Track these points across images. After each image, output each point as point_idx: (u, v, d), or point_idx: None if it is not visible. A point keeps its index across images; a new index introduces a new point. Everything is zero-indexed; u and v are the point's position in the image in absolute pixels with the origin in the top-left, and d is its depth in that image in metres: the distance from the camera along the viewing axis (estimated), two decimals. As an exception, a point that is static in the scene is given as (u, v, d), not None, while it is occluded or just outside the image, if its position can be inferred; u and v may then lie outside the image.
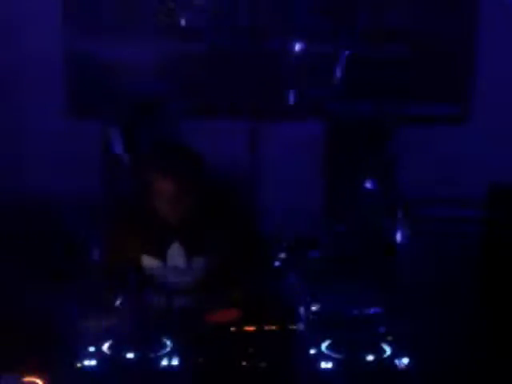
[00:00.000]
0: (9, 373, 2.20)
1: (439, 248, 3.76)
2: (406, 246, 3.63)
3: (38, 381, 2.20)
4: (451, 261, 3.71)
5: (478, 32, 4.29)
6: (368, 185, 3.85)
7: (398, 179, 4.11)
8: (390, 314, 2.55)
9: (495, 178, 3.53)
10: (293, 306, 2.59)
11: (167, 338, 2.39)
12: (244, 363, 2.30)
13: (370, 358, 2.29)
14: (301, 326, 2.47)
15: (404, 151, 4.15)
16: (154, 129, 3.92)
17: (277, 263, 3.56)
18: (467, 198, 3.93)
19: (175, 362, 2.28)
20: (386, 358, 2.30)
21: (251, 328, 2.47)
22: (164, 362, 2.28)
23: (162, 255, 2.87)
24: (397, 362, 2.28)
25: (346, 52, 4.21)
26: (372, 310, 2.50)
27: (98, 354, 2.32)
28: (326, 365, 2.26)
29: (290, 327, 2.47)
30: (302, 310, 2.55)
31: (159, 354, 2.32)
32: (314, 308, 2.54)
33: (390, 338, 2.39)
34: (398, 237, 3.78)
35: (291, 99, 4.24)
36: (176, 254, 2.86)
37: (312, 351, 2.32)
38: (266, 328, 2.47)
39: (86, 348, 2.33)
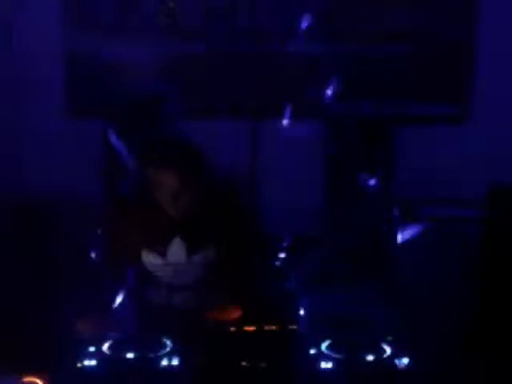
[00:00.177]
0: (9, 373, 2.20)
1: (439, 248, 3.76)
2: (405, 245, 3.62)
3: (38, 381, 2.20)
4: (451, 261, 3.71)
5: (478, 32, 4.29)
6: (368, 184, 3.84)
7: (398, 179, 4.11)
8: (390, 314, 2.55)
9: (495, 178, 3.52)
10: (293, 306, 2.59)
11: (167, 338, 2.39)
12: (244, 363, 2.30)
13: (370, 358, 2.29)
14: (301, 326, 2.47)
15: (404, 151, 4.16)
16: (154, 128, 3.93)
17: (277, 263, 3.55)
18: (467, 198, 3.93)
19: (175, 361, 2.28)
20: (385, 358, 2.30)
21: (251, 328, 2.47)
22: (164, 362, 2.28)
23: (162, 251, 2.87)
24: (397, 361, 2.28)
25: (346, 52, 4.22)
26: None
27: (98, 353, 2.32)
28: (325, 365, 2.25)
29: (290, 327, 2.47)
30: (302, 310, 2.55)
31: (159, 353, 2.32)
32: (313, 308, 2.54)
33: (389, 338, 2.39)
34: (398, 237, 3.78)
35: (291, 99, 4.24)
36: (177, 250, 2.86)
37: (312, 351, 2.32)
38: (266, 328, 2.47)
39: (86, 348, 2.33)
